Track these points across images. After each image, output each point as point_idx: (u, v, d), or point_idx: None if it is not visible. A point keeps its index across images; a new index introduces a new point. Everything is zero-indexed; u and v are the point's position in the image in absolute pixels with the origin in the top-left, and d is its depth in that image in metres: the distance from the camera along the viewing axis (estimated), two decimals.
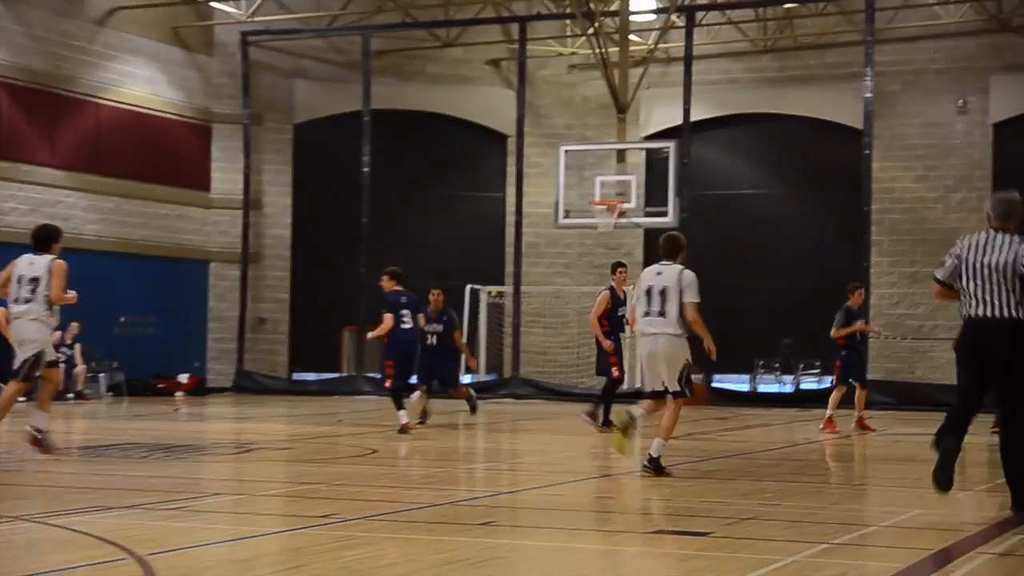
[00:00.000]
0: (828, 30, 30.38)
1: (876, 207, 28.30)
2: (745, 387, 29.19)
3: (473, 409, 19.54)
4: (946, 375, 27.57)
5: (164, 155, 29.68)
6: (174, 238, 30.04)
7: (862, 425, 19.09)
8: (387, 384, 17.72)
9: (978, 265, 9.25)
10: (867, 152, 27.59)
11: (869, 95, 27.61)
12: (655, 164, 28.41)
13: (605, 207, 26.91)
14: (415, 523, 8.90)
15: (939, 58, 29.51)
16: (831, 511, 9.95)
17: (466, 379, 30.57)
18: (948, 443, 9.19)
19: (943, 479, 9.17)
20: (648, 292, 11.86)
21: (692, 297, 11.78)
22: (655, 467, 11.71)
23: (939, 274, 9.49)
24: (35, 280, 12.87)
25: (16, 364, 12.93)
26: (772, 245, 29.80)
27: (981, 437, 18.40)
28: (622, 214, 26.82)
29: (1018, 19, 28.80)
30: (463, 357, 20.88)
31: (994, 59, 28.99)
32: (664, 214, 26.94)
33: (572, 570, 7.23)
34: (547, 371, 30.70)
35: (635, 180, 27.39)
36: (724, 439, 17.51)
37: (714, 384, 27.73)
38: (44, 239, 13.14)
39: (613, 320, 17.37)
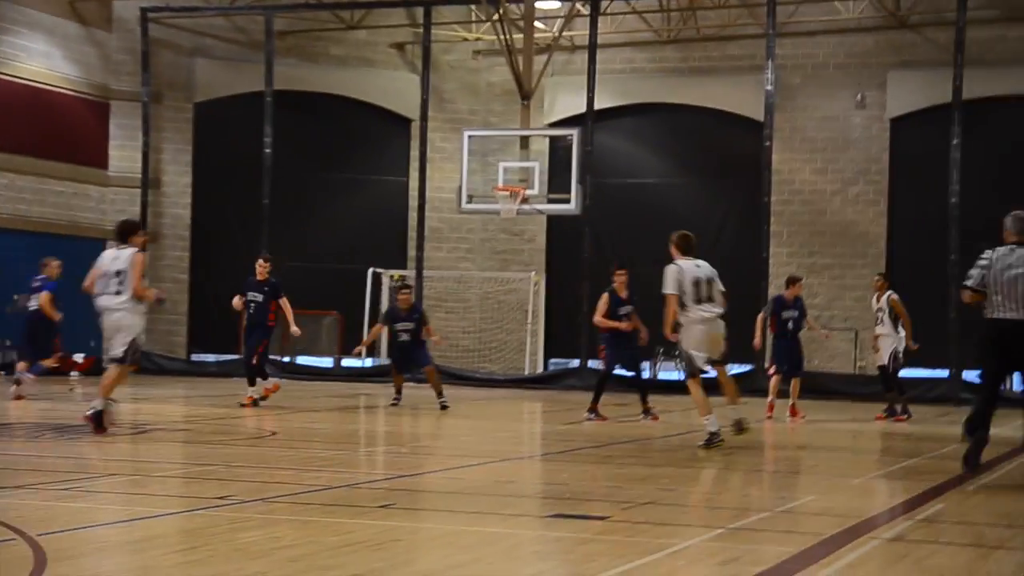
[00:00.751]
0: (731, 22, 30.65)
1: (776, 198, 28.64)
2: (645, 373, 29.27)
3: (443, 405, 19.36)
4: (843, 364, 28.06)
5: (61, 131, 29.12)
6: (70, 216, 29.51)
7: (793, 412, 19.26)
8: (255, 361, 18.87)
9: (1003, 276, 11.11)
10: (767, 144, 27.90)
11: (770, 88, 27.92)
12: (558, 151, 28.46)
13: (508, 193, 26.94)
14: (312, 505, 8.86)
15: (839, 53, 29.93)
16: (727, 496, 10.06)
17: (367, 362, 30.63)
18: (980, 435, 11.29)
19: (974, 462, 11.28)
20: (696, 283, 13.92)
21: (721, 286, 14.11)
22: (739, 428, 14.03)
23: (970, 282, 11.33)
24: (120, 272, 13.84)
25: (118, 353, 13.82)
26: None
27: (873, 425, 18.76)
28: (525, 200, 26.87)
29: (915, 16, 29.28)
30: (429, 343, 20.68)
31: (892, 55, 29.45)
32: (567, 201, 27.05)
33: (469, 553, 7.23)
34: (448, 355, 30.62)
35: (538, 167, 27.44)
36: (623, 425, 17.64)
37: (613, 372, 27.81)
38: (123, 233, 14.21)
39: (614, 319, 18.19)
